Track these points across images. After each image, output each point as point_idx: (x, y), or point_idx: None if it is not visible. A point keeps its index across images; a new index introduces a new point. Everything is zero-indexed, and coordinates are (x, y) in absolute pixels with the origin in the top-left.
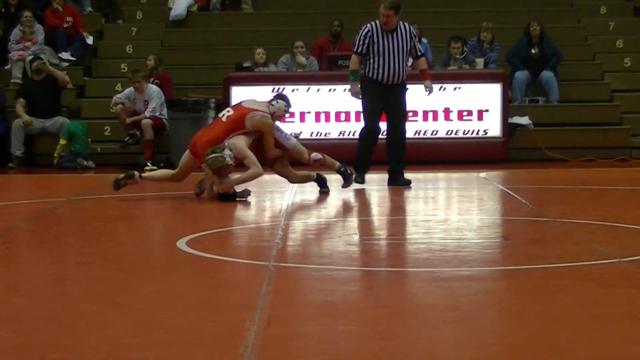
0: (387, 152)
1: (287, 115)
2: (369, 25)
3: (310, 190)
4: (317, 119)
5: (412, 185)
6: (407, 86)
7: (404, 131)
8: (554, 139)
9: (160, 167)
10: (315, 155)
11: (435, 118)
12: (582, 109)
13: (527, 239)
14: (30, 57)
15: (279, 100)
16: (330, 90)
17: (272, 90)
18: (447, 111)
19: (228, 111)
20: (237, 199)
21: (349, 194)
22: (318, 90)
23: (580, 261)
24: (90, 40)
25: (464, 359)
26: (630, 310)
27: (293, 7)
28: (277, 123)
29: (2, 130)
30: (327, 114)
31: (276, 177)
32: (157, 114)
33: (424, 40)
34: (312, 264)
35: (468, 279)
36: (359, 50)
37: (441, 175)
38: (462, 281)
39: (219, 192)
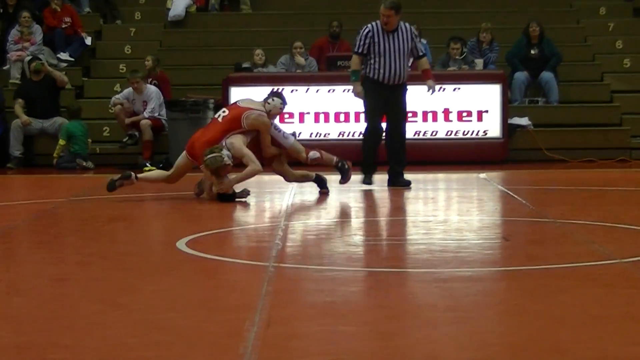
0: (387, 152)
1: (284, 113)
2: (369, 25)
3: (310, 191)
4: (317, 120)
5: (412, 186)
6: (407, 87)
7: (404, 132)
8: (554, 140)
9: (159, 168)
10: (313, 154)
11: (434, 119)
12: (582, 110)
13: (527, 239)
14: (28, 58)
15: (274, 98)
16: (329, 90)
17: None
18: (446, 112)
19: (224, 111)
20: (237, 199)
21: (349, 195)
22: (317, 90)
23: (581, 262)
24: (88, 40)
25: (464, 359)
26: (630, 311)
27: (292, 7)
28: (276, 122)
29: (0, 130)
30: (327, 115)
31: (275, 177)
32: (156, 114)
33: (423, 40)
34: (312, 265)
35: (468, 280)
36: (360, 50)
37: (441, 176)
38: (462, 282)
39: (218, 192)
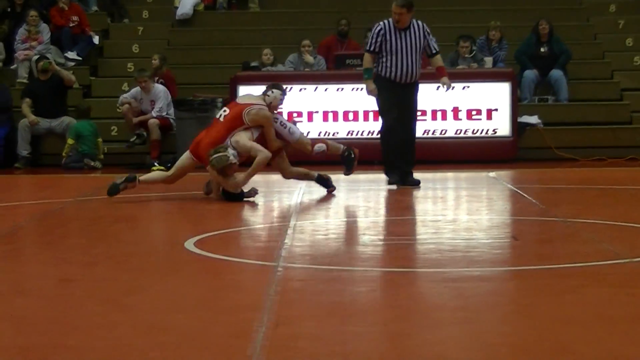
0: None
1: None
2: (381, 23)
3: (319, 191)
4: (325, 119)
5: (421, 185)
6: (419, 85)
7: (414, 131)
8: (564, 138)
9: (167, 168)
10: (319, 147)
11: (444, 117)
12: (592, 108)
13: (537, 239)
14: (36, 57)
15: (273, 90)
16: (338, 89)
17: None
18: (455, 110)
19: (224, 111)
20: (245, 199)
21: (357, 194)
22: (326, 89)
23: (590, 261)
24: (96, 39)
25: (472, 359)
26: (639, 311)
27: (300, 5)
28: (282, 118)
29: (8, 130)
30: (335, 114)
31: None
32: (164, 113)
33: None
34: (320, 265)
35: (477, 280)
36: (372, 48)
37: (450, 175)
38: (472, 281)
39: (230, 190)
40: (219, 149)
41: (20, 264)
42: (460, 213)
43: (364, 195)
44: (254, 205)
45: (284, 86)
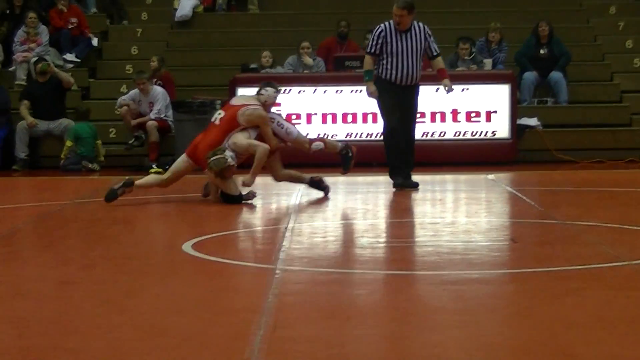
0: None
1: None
2: (382, 25)
3: (317, 193)
4: (324, 121)
5: (419, 187)
6: (420, 87)
7: (413, 133)
8: (563, 140)
9: (165, 170)
10: (316, 145)
11: (443, 119)
12: (591, 110)
13: (536, 241)
14: (34, 59)
15: (267, 88)
16: (337, 91)
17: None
18: (455, 112)
19: (219, 113)
20: (243, 201)
21: (356, 197)
22: (325, 91)
23: (589, 264)
24: (95, 41)
25: None
26: (639, 313)
27: (300, 7)
28: (279, 119)
29: (6, 132)
30: (334, 116)
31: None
32: (163, 115)
33: None
34: (318, 267)
35: (476, 282)
36: (372, 50)
37: (449, 177)
38: (470, 284)
39: (225, 192)
40: (216, 151)
41: (19, 266)
42: (459, 215)
43: (362, 198)
44: (252, 207)
45: (280, 87)
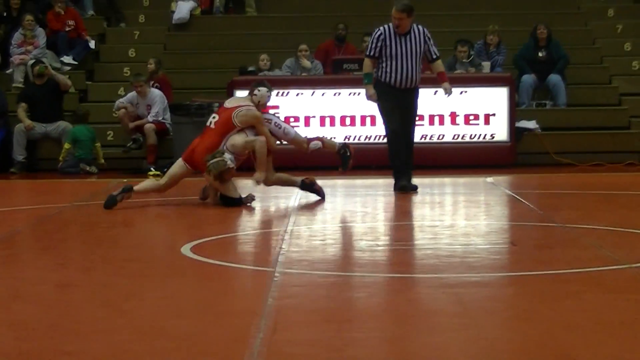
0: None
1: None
2: (381, 28)
3: (315, 196)
4: (322, 124)
5: (418, 190)
6: (419, 90)
7: (412, 136)
8: (562, 143)
9: (163, 172)
10: (314, 144)
11: (441, 122)
12: (590, 113)
13: (535, 244)
14: (31, 61)
15: (259, 88)
16: (335, 94)
17: (276, 95)
18: (453, 115)
19: (214, 117)
20: (242, 204)
21: (355, 199)
22: (323, 94)
23: (589, 267)
24: (92, 44)
25: None
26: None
27: (297, 10)
28: (276, 119)
29: (3, 135)
30: (332, 119)
31: None
32: (160, 118)
33: None
34: (317, 270)
35: (475, 285)
36: (371, 53)
37: (448, 180)
38: (470, 287)
39: (225, 195)
40: (215, 154)
41: (18, 269)
42: (458, 218)
43: (361, 201)
44: (251, 210)
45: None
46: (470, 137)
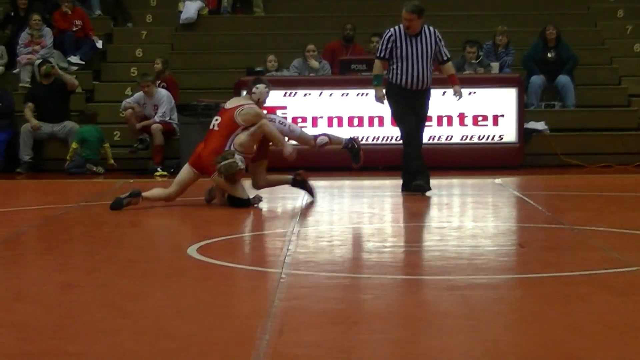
0: (402, 157)
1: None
2: (392, 29)
3: (322, 197)
4: (330, 124)
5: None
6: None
7: (421, 137)
8: (570, 145)
9: (170, 173)
10: (321, 139)
11: (449, 123)
12: (599, 114)
13: (543, 246)
14: (38, 61)
15: (257, 86)
16: (343, 94)
17: (284, 95)
18: (461, 116)
19: (216, 119)
20: (250, 205)
21: (362, 200)
22: (330, 94)
23: (597, 269)
24: (99, 43)
25: None
26: None
27: (305, 10)
28: (281, 117)
29: (10, 135)
30: (340, 119)
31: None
32: (167, 118)
33: None
34: (324, 272)
35: (483, 287)
36: (382, 55)
37: (455, 181)
38: (477, 289)
39: (232, 196)
40: (226, 155)
41: (23, 270)
42: (466, 220)
43: (368, 202)
44: (257, 211)
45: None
46: (479, 138)
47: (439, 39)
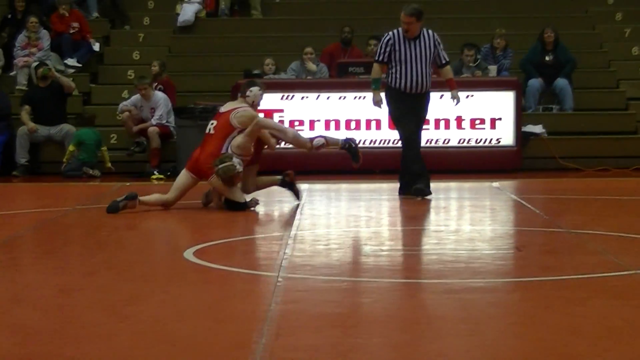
0: (400, 160)
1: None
2: (390, 33)
3: (319, 200)
4: (327, 127)
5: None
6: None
7: (419, 140)
8: (568, 148)
9: (167, 176)
10: (318, 141)
11: (447, 126)
12: (597, 118)
13: (541, 249)
14: (35, 64)
15: (252, 89)
16: (340, 97)
17: (282, 98)
18: (459, 119)
19: (212, 123)
20: (246, 208)
21: (359, 204)
22: (328, 97)
23: (595, 273)
24: (96, 46)
25: None
26: None
27: (303, 12)
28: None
29: (6, 137)
30: (337, 122)
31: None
32: (164, 121)
33: None
34: (321, 275)
35: (480, 291)
36: (380, 58)
37: (453, 184)
38: (475, 293)
39: (229, 199)
40: (224, 158)
41: (20, 273)
42: (464, 223)
43: (365, 205)
44: (254, 214)
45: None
46: (476, 142)
47: (438, 43)
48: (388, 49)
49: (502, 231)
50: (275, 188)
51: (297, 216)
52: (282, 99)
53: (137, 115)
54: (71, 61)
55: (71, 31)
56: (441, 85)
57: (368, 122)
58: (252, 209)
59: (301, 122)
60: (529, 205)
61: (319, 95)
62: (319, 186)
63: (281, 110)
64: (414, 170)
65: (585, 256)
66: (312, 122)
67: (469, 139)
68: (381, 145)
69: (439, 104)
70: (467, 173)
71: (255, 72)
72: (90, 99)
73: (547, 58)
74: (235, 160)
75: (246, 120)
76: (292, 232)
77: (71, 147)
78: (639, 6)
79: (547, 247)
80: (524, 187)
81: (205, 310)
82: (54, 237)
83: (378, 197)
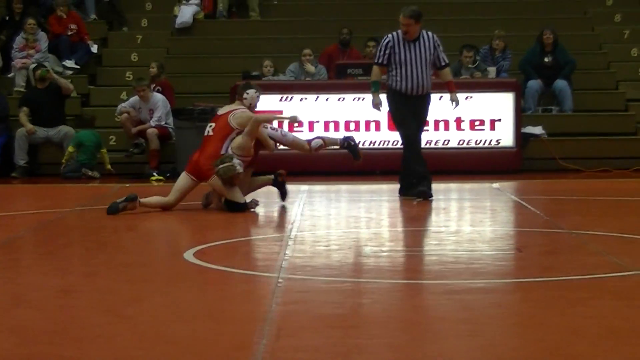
0: (401, 161)
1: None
2: (390, 35)
3: (319, 201)
4: (326, 129)
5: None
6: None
7: (420, 142)
8: (568, 149)
9: (166, 177)
10: (316, 142)
11: (446, 128)
12: (597, 119)
13: (541, 250)
14: (33, 65)
15: (248, 91)
16: (339, 99)
17: (280, 100)
18: (458, 121)
19: (210, 126)
20: (246, 209)
21: (359, 205)
22: (327, 99)
23: (596, 273)
24: (94, 48)
25: None
26: None
27: (301, 14)
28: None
29: (5, 139)
30: (337, 124)
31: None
32: (163, 123)
33: None
34: (321, 276)
35: (481, 292)
36: (380, 60)
37: (453, 185)
38: (475, 294)
39: (229, 200)
40: (224, 159)
41: (20, 275)
42: (464, 224)
43: (365, 206)
44: (254, 216)
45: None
46: (476, 143)
47: (438, 44)
48: (387, 52)
49: (502, 232)
50: (275, 189)
51: (297, 217)
52: (280, 100)
53: (136, 116)
54: (69, 63)
55: (69, 33)
56: (440, 87)
57: (367, 123)
58: (252, 210)
59: (300, 124)
60: (529, 206)
61: (317, 97)
62: (319, 187)
63: (280, 112)
64: (418, 172)
65: (585, 257)
66: (311, 124)
67: (469, 140)
68: (381, 146)
69: (439, 106)
70: (467, 174)
71: (254, 73)
72: (89, 100)
73: (546, 59)
74: (236, 161)
75: (244, 121)
76: (292, 233)
77: (70, 149)
78: (638, 7)
79: (548, 247)
80: (524, 188)
81: (205, 311)
82: (54, 239)
83: (378, 198)
